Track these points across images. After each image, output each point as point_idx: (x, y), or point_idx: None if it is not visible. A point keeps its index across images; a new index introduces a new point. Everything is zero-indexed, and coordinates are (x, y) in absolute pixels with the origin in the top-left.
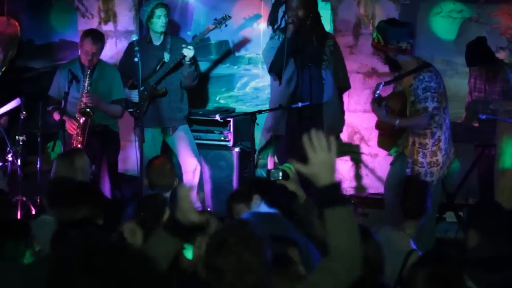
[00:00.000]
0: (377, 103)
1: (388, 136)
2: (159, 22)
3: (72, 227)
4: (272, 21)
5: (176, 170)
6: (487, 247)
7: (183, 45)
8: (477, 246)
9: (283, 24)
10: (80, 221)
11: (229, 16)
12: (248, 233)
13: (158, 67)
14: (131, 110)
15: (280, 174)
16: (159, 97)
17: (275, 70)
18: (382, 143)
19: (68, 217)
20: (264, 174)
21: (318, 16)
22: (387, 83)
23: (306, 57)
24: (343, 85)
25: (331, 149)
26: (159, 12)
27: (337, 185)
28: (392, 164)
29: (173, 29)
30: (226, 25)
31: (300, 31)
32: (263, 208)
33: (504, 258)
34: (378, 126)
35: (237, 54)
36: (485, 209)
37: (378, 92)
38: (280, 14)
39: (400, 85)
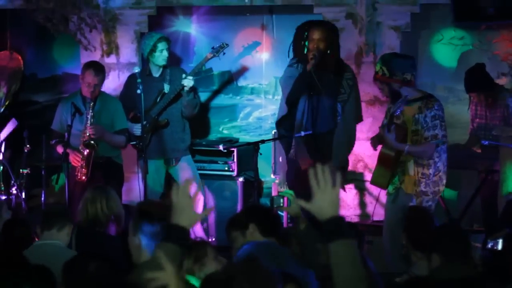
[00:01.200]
0: (387, 128)
1: (386, 170)
2: (161, 56)
3: (89, 259)
4: (295, 53)
5: None
6: (446, 269)
7: (183, 75)
8: (437, 268)
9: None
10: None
11: (226, 44)
12: (257, 270)
13: (158, 99)
14: (134, 143)
15: (281, 200)
16: (161, 129)
17: (291, 101)
18: (377, 179)
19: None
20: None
21: (338, 47)
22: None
23: (324, 89)
24: (360, 116)
25: (336, 184)
26: (162, 46)
27: (340, 219)
28: (392, 201)
29: (175, 61)
30: (224, 53)
31: (320, 65)
32: (258, 236)
33: (462, 281)
34: (380, 158)
35: (239, 84)
36: (447, 232)
37: (399, 111)
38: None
39: (398, 119)
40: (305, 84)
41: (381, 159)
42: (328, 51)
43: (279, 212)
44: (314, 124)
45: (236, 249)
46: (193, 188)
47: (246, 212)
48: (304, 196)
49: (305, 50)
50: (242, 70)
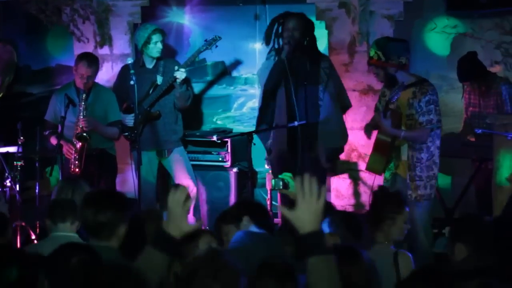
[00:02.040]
0: (383, 114)
1: (382, 156)
2: (155, 48)
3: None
4: (267, 41)
5: None
6: (474, 259)
7: (176, 67)
8: (465, 259)
9: (276, 45)
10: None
11: (219, 37)
12: (220, 264)
13: (151, 90)
14: (126, 134)
15: (281, 183)
16: (153, 120)
17: (268, 89)
18: (372, 165)
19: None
20: (264, 194)
21: (313, 38)
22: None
23: (300, 78)
24: (345, 104)
25: (320, 197)
26: (156, 38)
27: (319, 234)
28: (391, 188)
29: (168, 52)
30: (216, 46)
31: (295, 52)
32: (253, 229)
33: (491, 268)
34: (376, 144)
35: (233, 74)
36: (471, 222)
37: (396, 97)
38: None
39: (393, 104)
40: (281, 72)
41: (377, 145)
42: (305, 42)
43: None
44: (304, 114)
45: (228, 242)
46: (190, 188)
47: (239, 206)
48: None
49: (280, 40)
50: (236, 64)
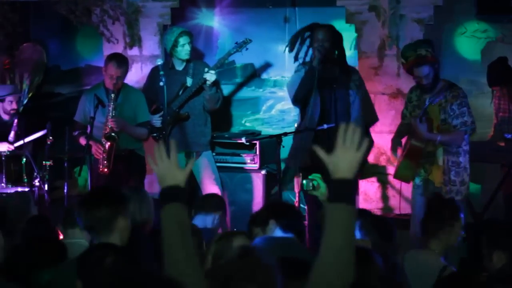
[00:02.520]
0: (419, 119)
1: (412, 163)
2: (183, 50)
3: (105, 251)
4: (291, 48)
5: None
6: None
7: (205, 69)
8: (504, 266)
9: (307, 58)
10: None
11: (249, 40)
12: (254, 265)
13: (180, 92)
14: (154, 134)
15: (311, 184)
16: (182, 122)
17: (300, 98)
18: (402, 172)
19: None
20: (292, 197)
21: (343, 50)
22: (443, 91)
23: (331, 84)
24: (372, 118)
25: (360, 149)
26: (183, 40)
27: (350, 182)
28: (421, 194)
29: (197, 54)
30: (246, 49)
31: (326, 63)
32: (278, 233)
33: None
34: (408, 151)
35: (262, 77)
36: (509, 228)
37: (437, 100)
38: (304, 48)
39: (419, 108)
40: (312, 80)
41: (410, 151)
42: (335, 54)
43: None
44: (333, 118)
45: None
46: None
47: (267, 208)
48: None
49: (310, 50)
50: (265, 66)
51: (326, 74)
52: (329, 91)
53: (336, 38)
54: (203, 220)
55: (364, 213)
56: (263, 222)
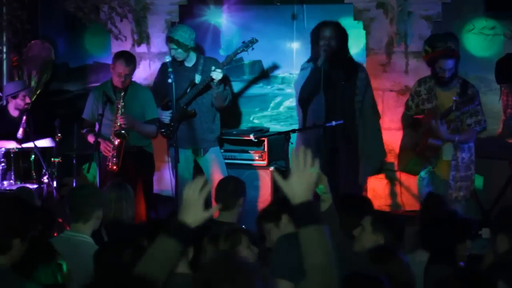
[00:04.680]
0: (440, 120)
1: (424, 158)
2: (176, 53)
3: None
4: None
5: None
6: None
7: (212, 67)
8: (508, 250)
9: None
10: None
11: (256, 40)
12: (235, 268)
13: (188, 89)
14: (162, 130)
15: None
16: (189, 118)
17: (305, 98)
18: (412, 167)
19: None
20: None
21: (347, 48)
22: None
23: (337, 82)
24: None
25: (313, 169)
26: (170, 46)
27: (311, 203)
28: (426, 186)
29: (205, 51)
30: (252, 49)
31: (332, 62)
32: (292, 228)
33: None
34: (424, 148)
35: (270, 74)
36: None
37: (468, 108)
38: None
39: (429, 102)
40: (317, 80)
41: (427, 149)
42: (342, 52)
43: None
44: (340, 115)
45: (271, 241)
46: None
47: (278, 203)
48: None
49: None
50: (273, 68)
51: (332, 72)
52: (334, 89)
53: (342, 35)
54: None
55: (374, 213)
56: (275, 217)
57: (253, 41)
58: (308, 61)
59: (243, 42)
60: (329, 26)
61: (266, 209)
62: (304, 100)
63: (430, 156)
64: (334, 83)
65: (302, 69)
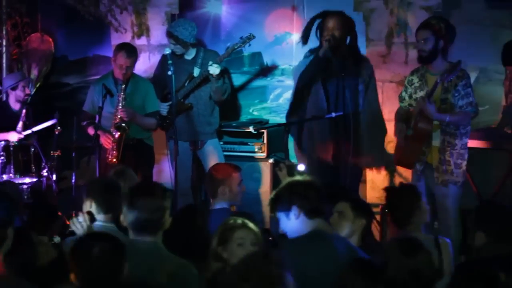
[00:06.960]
0: (428, 99)
1: (416, 148)
2: (174, 48)
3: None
4: (304, 41)
5: None
6: (492, 247)
7: (210, 62)
8: (483, 246)
9: (316, 44)
10: None
11: (253, 36)
12: (259, 270)
13: (187, 82)
14: (159, 122)
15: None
16: (185, 112)
17: (303, 84)
18: (406, 158)
19: None
20: None
21: (355, 36)
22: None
23: (339, 74)
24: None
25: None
26: (170, 41)
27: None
28: (418, 180)
29: (205, 41)
30: (249, 45)
31: (336, 53)
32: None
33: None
34: (414, 135)
35: (270, 65)
36: (491, 210)
37: (451, 78)
38: (313, 33)
39: (421, 90)
40: (319, 68)
41: (417, 135)
42: (347, 41)
43: None
44: (341, 106)
45: (281, 230)
46: None
47: (288, 191)
48: None
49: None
50: (272, 68)
51: (335, 63)
52: (336, 80)
53: (347, 24)
54: None
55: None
56: (285, 207)
57: (250, 37)
58: (311, 50)
59: (241, 38)
60: (332, 16)
61: (278, 195)
62: (302, 88)
63: (421, 145)
64: (336, 73)
65: (305, 57)
